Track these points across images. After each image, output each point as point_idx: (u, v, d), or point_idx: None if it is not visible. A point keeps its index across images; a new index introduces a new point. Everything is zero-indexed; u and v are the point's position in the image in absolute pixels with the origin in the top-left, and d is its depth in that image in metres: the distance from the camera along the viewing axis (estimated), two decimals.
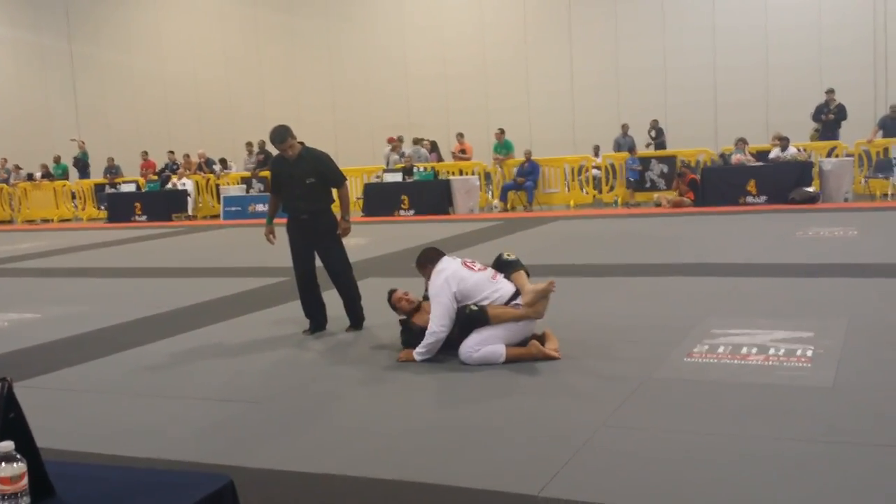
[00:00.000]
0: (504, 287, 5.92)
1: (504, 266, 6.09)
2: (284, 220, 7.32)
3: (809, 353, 5.52)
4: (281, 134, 7.01)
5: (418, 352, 5.90)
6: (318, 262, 7.29)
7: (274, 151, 7.39)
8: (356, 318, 7.24)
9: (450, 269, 5.97)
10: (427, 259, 6.25)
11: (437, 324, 5.82)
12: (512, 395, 5.11)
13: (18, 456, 1.94)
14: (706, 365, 5.41)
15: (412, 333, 6.13)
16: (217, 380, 5.83)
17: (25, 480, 1.94)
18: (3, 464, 1.92)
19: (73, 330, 7.78)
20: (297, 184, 7.08)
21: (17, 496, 1.93)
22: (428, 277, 6.15)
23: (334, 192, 7.32)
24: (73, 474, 2.31)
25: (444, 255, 6.26)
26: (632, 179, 18.30)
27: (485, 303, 5.82)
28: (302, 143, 7.24)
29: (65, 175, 25.12)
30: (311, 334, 7.09)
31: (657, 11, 22.43)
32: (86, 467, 2.48)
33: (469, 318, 5.77)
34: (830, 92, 18.41)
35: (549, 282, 5.80)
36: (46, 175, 24.79)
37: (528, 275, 5.98)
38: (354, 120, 25.43)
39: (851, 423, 4.28)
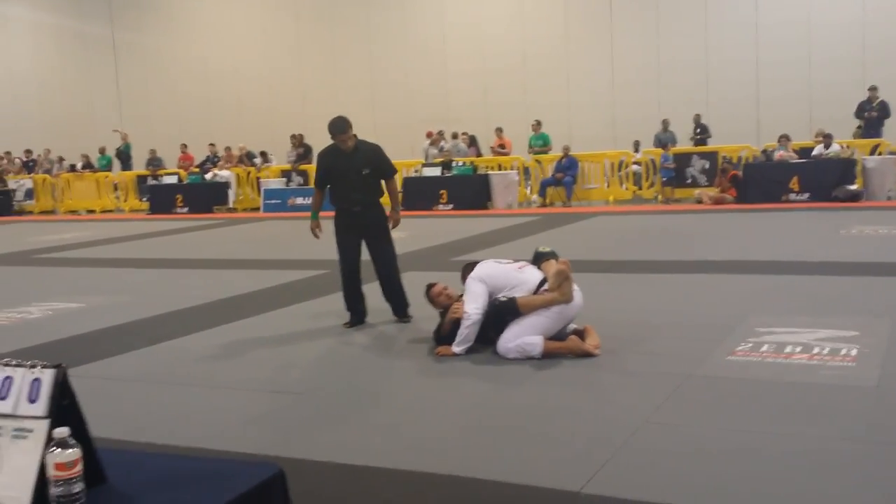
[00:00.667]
0: (531, 275, 5.97)
1: (538, 258, 6.15)
2: (329, 214, 7.31)
3: (854, 352, 5.44)
4: (342, 125, 7.06)
5: (457, 343, 5.90)
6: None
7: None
8: (403, 308, 7.26)
9: (480, 268, 6.09)
10: (466, 270, 6.33)
11: (471, 307, 5.83)
12: (553, 391, 5.10)
13: (73, 442, 1.97)
14: (749, 363, 5.35)
15: (441, 331, 6.14)
16: (261, 371, 5.88)
17: (80, 466, 1.97)
18: (59, 449, 1.95)
19: (117, 320, 7.88)
20: (353, 175, 7.08)
21: (72, 482, 1.95)
22: None
23: (382, 184, 7.34)
24: (124, 461, 2.34)
25: (478, 263, 6.36)
26: (664, 178, 18.14)
27: (513, 293, 5.85)
28: (355, 135, 7.25)
29: (108, 166, 25.44)
30: (351, 327, 7.11)
31: (700, 6, 22.20)
32: (136, 455, 2.52)
33: (498, 309, 5.80)
34: (873, 89, 18.13)
35: (561, 261, 5.82)
36: (88, 166, 25.13)
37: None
38: (393, 114, 25.46)
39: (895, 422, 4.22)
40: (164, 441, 4.42)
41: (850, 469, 3.71)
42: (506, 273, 6.00)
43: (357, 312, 7.22)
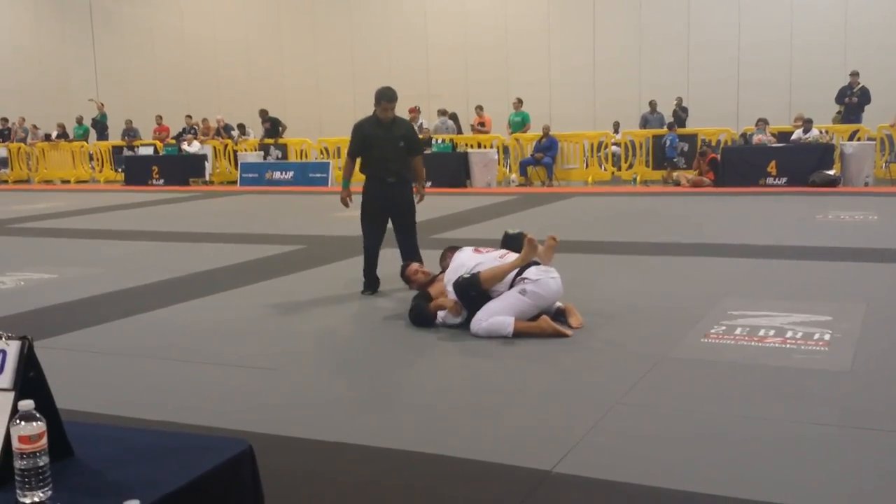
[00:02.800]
0: (511, 259, 5.97)
1: (510, 241, 6.19)
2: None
3: (827, 336, 5.48)
4: (392, 93, 7.28)
5: (443, 315, 6.03)
6: None
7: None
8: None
9: (460, 259, 6.14)
10: (446, 251, 6.49)
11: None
12: (526, 371, 5.11)
13: (38, 415, 1.94)
14: (723, 346, 5.38)
15: (426, 312, 6.17)
16: (235, 345, 5.84)
17: (45, 440, 1.94)
18: (23, 423, 1.91)
19: (89, 291, 7.82)
20: (391, 146, 7.25)
21: (37, 455, 1.92)
22: (447, 267, 6.29)
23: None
24: (91, 434, 2.31)
25: (459, 248, 6.42)
26: (672, 158, 18.14)
27: (481, 268, 5.89)
28: None
29: (85, 136, 25.16)
30: (371, 293, 7.30)
31: None
32: (104, 428, 2.49)
33: (462, 286, 5.84)
34: (854, 74, 18.19)
35: (528, 237, 5.87)
36: (63, 135, 24.84)
37: None
38: (373, 88, 25.17)
39: (868, 407, 4.26)
40: (136, 415, 4.38)
41: (822, 453, 3.74)
42: (483, 263, 5.99)
43: (374, 281, 7.38)
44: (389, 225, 7.48)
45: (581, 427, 4.06)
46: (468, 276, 5.86)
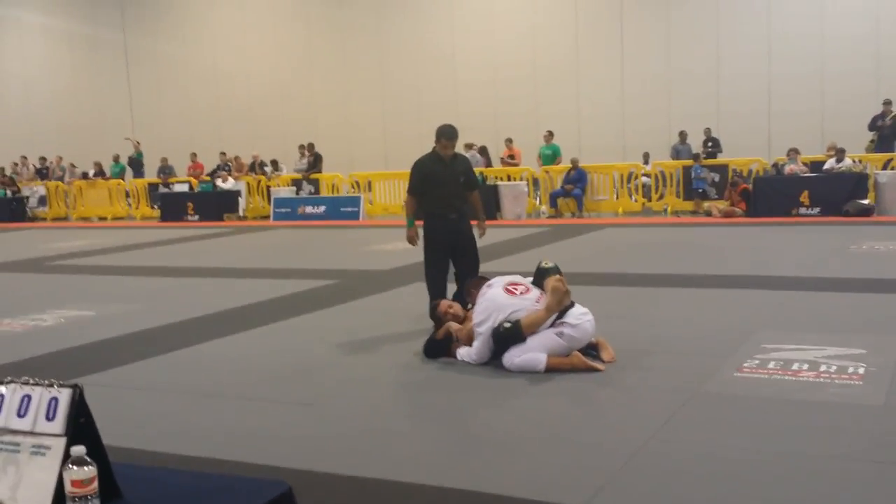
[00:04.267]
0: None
1: (541, 273, 6.17)
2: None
3: (861, 370, 5.46)
4: (454, 131, 7.31)
5: (465, 353, 6.05)
6: None
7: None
8: None
9: (493, 297, 6.04)
10: (472, 285, 6.47)
11: (477, 350, 5.99)
12: (557, 406, 5.14)
13: (89, 460, 2.02)
14: (756, 380, 5.38)
15: (435, 339, 6.31)
16: (272, 381, 5.91)
17: (95, 484, 2.02)
18: (76, 467, 2.00)
19: (129, 328, 7.95)
20: (453, 183, 7.33)
21: (88, 499, 2.01)
22: (473, 302, 6.28)
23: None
24: (137, 476, 2.38)
25: (487, 280, 6.38)
26: (700, 189, 18.13)
27: (519, 314, 5.88)
28: None
29: (122, 174, 25.60)
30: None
31: (712, 17, 22.20)
32: (150, 470, 2.57)
33: (504, 337, 5.85)
34: (888, 103, 18.12)
35: (556, 278, 5.90)
36: (100, 173, 25.30)
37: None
38: (403, 123, 25.53)
39: None
40: (175, 451, 4.47)
41: (856, 489, 3.73)
42: (520, 307, 5.93)
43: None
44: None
45: (613, 464, 4.08)
46: (509, 325, 5.81)
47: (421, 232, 7.50)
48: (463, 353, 6.09)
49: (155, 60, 29.39)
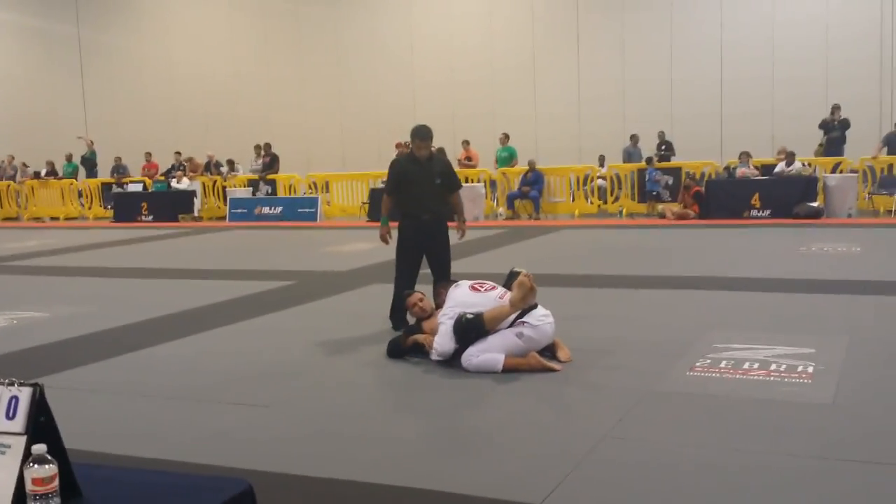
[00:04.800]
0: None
1: (513, 278, 6.23)
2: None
3: (810, 369, 5.59)
4: (427, 131, 7.28)
5: (434, 350, 6.05)
6: None
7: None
8: None
9: (458, 296, 6.15)
10: (441, 287, 6.56)
11: (439, 343, 6.00)
12: (514, 405, 5.19)
13: (50, 458, 2.03)
14: (708, 379, 5.48)
15: (401, 344, 6.35)
16: (228, 383, 5.90)
17: (56, 482, 2.02)
18: (36, 465, 2.00)
19: (83, 329, 7.87)
20: (427, 183, 7.27)
21: (49, 497, 2.01)
22: (442, 304, 6.34)
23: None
24: (97, 476, 2.38)
25: (456, 282, 6.46)
26: (654, 192, 18.35)
27: (481, 309, 5.95)
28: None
29: (75, 174, 25.24)
30: (397, 329, 7.16)
31: (665, 22, 22.51)
32: (109, 470, 2.57)
33: (465, 328, 5.90)
34: (837, 108, 18.50)
35: (523, 273, 5.94)
36: (52, 172, 24.93)
37: None
38: (361, 125, 25.52)
39: (850, 439, 4.36)
40: (131, 453, 4.44)
41: (805, 485, 3.83)
42: (483, 303, 6.02)
43: (402, 320, 7.24)
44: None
45: (569, 461, 4.15)
46: (471, 316, 5.89)
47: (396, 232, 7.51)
48: (432, 351, 6.10)
49: (109, 59, 29.02)
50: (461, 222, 7.66)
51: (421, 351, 6.25)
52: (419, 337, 6.24)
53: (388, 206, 7.57)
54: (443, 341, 5.99)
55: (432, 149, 7.50)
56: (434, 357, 6.06)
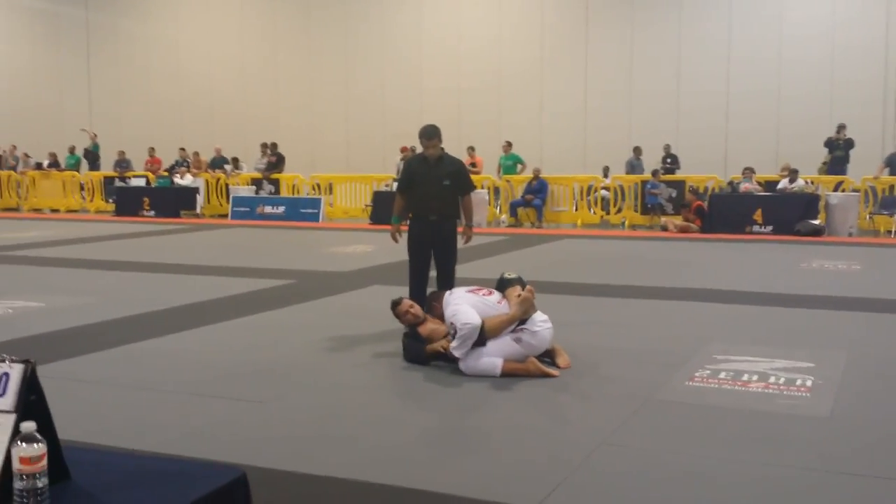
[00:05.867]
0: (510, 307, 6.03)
1: (503, 284, 6.22)
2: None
3: (809, 382, 5.56)
4: (431, 131, 7.23)
5: (454, 346, 5.86)
6: None
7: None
8: None
9: (457, 296, 6.12)
10: (433, 299, 6.45)
11: (469, 317, 5.78)
12: (511, 409, 5.16)
13: (39, 437, 1.99)
14: (707, 389, 5.45)
15: (418, 340, 6.20)
16: (223, 377, 5.87)
17: (45, 462, 1.99)
18: (24, 444, 1.97)
19: (77, 321, 7.83)
20: (434, 184, 7.22)
21: (36, 476, 1.97)
22: (436, 315, 6.26)
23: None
24: (88, 459, 2.36)
25: (447, 291, 6.43)
26: (649, 205, 18.33)
27: (486, 311, 5.92)
28: (442, 147, 7.39)
29: (77, 166, 25.21)
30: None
31: (673, 36, 22.49)
32: (100, 453, 2.53)
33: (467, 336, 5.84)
34: (842, 127, 18.48)
35: (528, 289, 5.93)
36: (54, 164, 24.89)
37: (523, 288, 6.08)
38: (367, 128, 25.49)
39: (846, 453, 4.33)
40: (122, 445, 4.40)
41: (802, 497, 3.80)
42: (481, 305, 5.98)
43: None
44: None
45: (566, 466, 4.12)
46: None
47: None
48: (456, 344, 5.89)
49: (116, 53, 29.00)
50: (467, 227, 7.57)
51: (441, 358, 6.12)
52: (436, 346, 6.14)
53: (400, 206, 7.55)
54: (466, 317, 5.76)
55: (442, 149, 7.41)
56: (457, 345, 5.80)
